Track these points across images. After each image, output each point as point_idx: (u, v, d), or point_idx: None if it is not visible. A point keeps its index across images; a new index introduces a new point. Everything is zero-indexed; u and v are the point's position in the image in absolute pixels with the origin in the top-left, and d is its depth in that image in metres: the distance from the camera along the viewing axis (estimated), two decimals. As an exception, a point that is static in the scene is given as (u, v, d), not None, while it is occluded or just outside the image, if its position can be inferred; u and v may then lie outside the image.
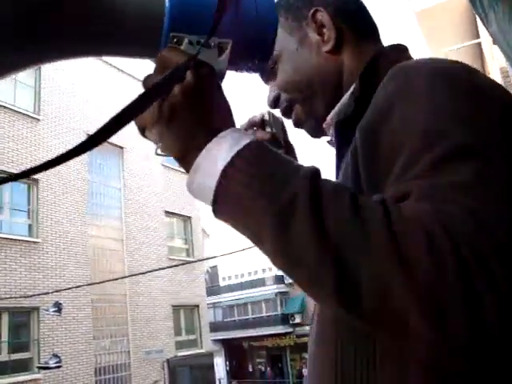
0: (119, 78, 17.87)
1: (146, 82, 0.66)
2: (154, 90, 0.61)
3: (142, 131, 0.68)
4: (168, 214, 18.78)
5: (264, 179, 0.58)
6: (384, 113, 0.69)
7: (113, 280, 12.47)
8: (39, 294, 11.59)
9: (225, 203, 0.61)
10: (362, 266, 0.50)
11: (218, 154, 0.61)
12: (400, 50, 0.92)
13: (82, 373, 14.11)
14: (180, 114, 0.64)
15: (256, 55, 0.73)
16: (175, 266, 16.83)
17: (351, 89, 0.90)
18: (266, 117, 1.12)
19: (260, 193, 0.57)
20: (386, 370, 0.65)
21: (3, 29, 0.57)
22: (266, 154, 0.61)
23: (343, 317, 0.58)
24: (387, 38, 1.04)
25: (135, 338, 16.28)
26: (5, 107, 13.66)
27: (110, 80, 17.33)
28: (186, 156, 0.65)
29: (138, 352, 16.18)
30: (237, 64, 0.73)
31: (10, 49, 0.58)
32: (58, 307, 12.11)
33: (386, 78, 0.75)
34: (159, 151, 0.70)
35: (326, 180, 0.58)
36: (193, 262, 18.05)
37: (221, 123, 0.64)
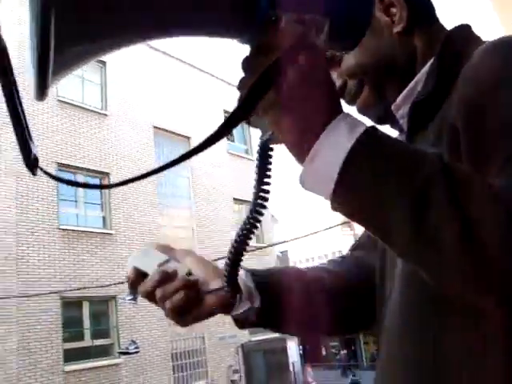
0: (181, 69, 18.11)
1: (251, 65, 0.62)
2: (270, 74, 0.58)
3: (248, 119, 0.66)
4: (237, 201, 18.95)
5: (392, 163, 0.58)
6: (489, 87, 0.68)
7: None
8: (114, 284, 12.04)
9: (349, 190, 0.59)
10: (504, 249, 0.52)
11: (338, 140, 0.59)
12: (468, 30, 0.89)
13: (159, 358, 14.60)
14: (297, 99, 0.60)
15: (351, 34, 0.69)
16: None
17: (425, 69, 0.87)
18: (134, 264, 0.93)
19: (392, 175, 0.57)
20: (495, 358, 0.64)
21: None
22: (386, 138, 0.60)
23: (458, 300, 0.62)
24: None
25: (209, 324, 16.58)
26: (75, 105, 14.20)
27: (172, 71, 17.59)
28: (301, 143, 0.61)
29: (212, 337, 16.53)
30: (332, 44, 0.68)
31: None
32: (134, 295, 12.51)
33: (480, 52, 0.73)
34: (265, 138, 0.67)
35: (454, 164, 0.59)
36: (263, 247, 18.14)
37: (335, 108, 0.62)
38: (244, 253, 0.78)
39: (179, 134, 16.87)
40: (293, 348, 21.06)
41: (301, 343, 35.75)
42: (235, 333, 17.19)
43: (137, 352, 13.06)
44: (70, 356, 12.57)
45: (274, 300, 0.94)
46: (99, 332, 13.70)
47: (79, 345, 13.06)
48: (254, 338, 18.09)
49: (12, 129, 0.56)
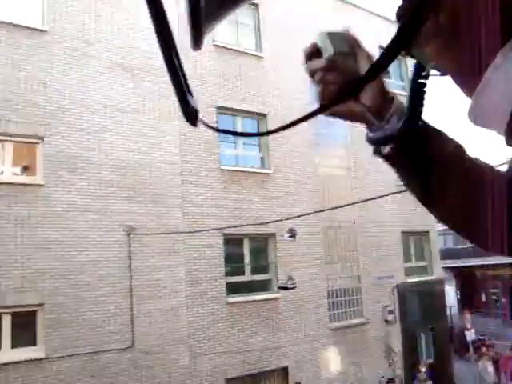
0: (334, 5, 17.54)
1: None
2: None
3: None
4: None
5: None
6: None
7: (342, 206, 12.68)
8: (273, 222, 12.41)
9: None
10: None
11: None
12: None
13: (315, 294, 14.99)
14: (460, 27, 0.56)
15: None
16: (404, 191, 16.52)
17: None
18: (318, 40, 0.90)
19: None
20: None
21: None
22: None
23: None
24: None
25: (365, 263, 16.63)
26: (230, 49, 14.47)
27: (324, 8, 17.08)
28: (471, 72, 0.57)
29: (367, 277, 16.55)
30: None
31: None
32: (293, 233, 12.87)
33: None
34: (426, 70, 0.64)
35: None
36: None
37: (506, 32, 0.56)
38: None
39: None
40: (450, 292, 20.43)
41: (458, 288, 34.60)
42: (391, 273, 17.04)
43: (294, 287, 13.53)
44: (232, 289, 13.41)
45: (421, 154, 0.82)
46: (258, 268, 14.38)
47: (240, 279, 13.85)
48: (410, 280, 17.80)
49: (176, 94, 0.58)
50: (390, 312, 16.90)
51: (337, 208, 12.28)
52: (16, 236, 10.73)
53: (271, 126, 14.66)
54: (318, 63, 0.87)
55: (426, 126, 0.80)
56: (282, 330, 14.08)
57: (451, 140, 0.83)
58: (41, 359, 10.59)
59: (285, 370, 14.13)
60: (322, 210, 11.86)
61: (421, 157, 0.82)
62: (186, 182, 13.01)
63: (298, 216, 11.96)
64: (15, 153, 11.27)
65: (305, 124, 15.24)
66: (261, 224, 12.59)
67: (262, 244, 14.50)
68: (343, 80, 0.84)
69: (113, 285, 11.50)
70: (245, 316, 13.38)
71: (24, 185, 11.04)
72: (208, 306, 12.79)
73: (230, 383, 13.02)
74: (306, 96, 15.49)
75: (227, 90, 14.17)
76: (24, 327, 10.81)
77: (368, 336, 16.21)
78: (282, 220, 12.39)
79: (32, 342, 10.76)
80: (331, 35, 0.87)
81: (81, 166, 11.61)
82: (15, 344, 10.59)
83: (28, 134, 11.18)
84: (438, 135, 0.82)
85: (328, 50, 0.86)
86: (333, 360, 15.14)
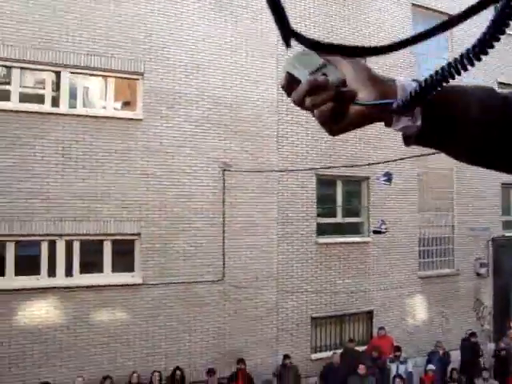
0: None
1: None
2: None
3: None
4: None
5: None
6: None
7: (439, 153, 12.10)
8: (369, 164, 12.12)
9: None
10: None
11: None
12: None
13: (406, 241, 14.68)
14: None
15: None
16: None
17: None
18: (288, 68, 0.84)
19: None
20: None
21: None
22: None
23: None
24: None
25: (460, 213, 16.01)
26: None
27: None
28: None
29: (461, 227, 15.97)
30: None
31: None
32: (389, 177, 12.50)
33: None
34: None
35: None
36: None
37: None
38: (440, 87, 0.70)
39: (439, 11, 15.46)
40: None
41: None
42: (487, 225, 16.34)
43: (386, 232, 13.30)
44: (323, 230, 13.39)
45: (439, 120, 0.87)
46: (350, 210, 14.23)
47: (331, 221, 13.79)
48: (508, 234, 17.00)
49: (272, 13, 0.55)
50: (483, 265, 16.31)
51: (434, 154, 11.74)
52: (117, 168, 11.17)
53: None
54: (300, 89, 0.81)
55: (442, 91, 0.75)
56: (369, 274, 14.01)
57: (468, 91, 0.89)
58: (138, 285, 11.20)
59: (370, 313, 14.15)
60: (418, 155, 11.41)
61: (449, 124, 0.87)
62: (282, 120, 12.88)
63: (394, 160, 11.58)
64: (117, 88, 11.58)
65: (404, 67, 14.53)
66: (356, 166, 12.34)
67: (355, 187, 14.27)
68: (336, 93, 0.80)
69: (206, 219, 11.81)
70: (334, 258, 13.40)
71: (125, 119, 11.37)
72: (298, 245, 12.89)
73: (315, 322, 13.24)
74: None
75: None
76: (123, 254, 11.42)
77: (457, 287, 15.81)
78: (377, 163, 12.07)
79: (130, 268, 11.38)
80: (298, 57, 0.83)
81: (178, 102, 11.76)
82: (115, 269, 11.24)
83: (129, 70, 11.41)
84: (455, 94, 0.87)
85: (302, 73, 0.81)
86: (419, 308, 14.97)
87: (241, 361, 11.49)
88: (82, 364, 10.69)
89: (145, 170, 11.37)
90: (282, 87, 0.86)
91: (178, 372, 10.92)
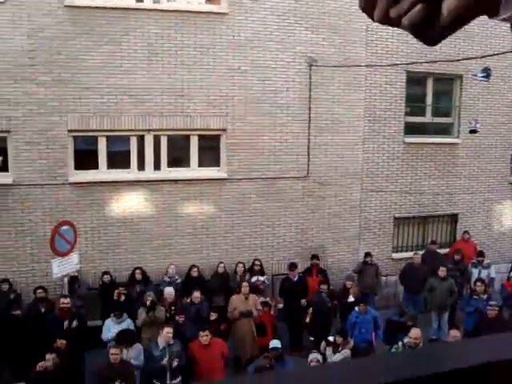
0: None
1: None
2: None
3: None
4: None
5: None
6: None
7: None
8: (464, 59, 11.38)
9: None
10: None
11: None
12: None
13: (499, 144, 13.98)
14: None
15: None
16: None
17: None
18: None
19: None
20: None
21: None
22: None
23: None
24: None
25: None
26: None
27: None
28: None
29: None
30: None
31: None
32: (488, 72, 11.63)
33: None
34: None
35: None
36: None
37: None
38: None
39: None
40: None
41: None
42: None
43: (476, 132, 12.62)
44: (411, 129, 12.94)
45: None
46: (440, 110, 13.59)
47: (419, 120, 13.28)
48: None
49: None
50: None
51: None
52: (202, 63, 11.09)
53: None
54: (381, 2, 0.62)
55: None
56: (457, 176, 13.56)
57: None
58: (223, 179, 11.44)
59: (454, 216, 13.86)
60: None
61: None
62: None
63: (492, 55, 10.80)
64: (202, -23, 11.25)
65: None
66: (449, 61, 11.62)
67: (446, 85, 13.52)
68: None
69: (292, 115, 11.68)
70: (420, 158, 13.02)
71: (209, 13, 11.13)
72: (384, 144, 12.59)
73: (398, 222, 13.16)
74: None
75: None
76: (209, 149, 11.61)
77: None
78: (474, 58, 11.30)
79: (216, 163, 11.59)
80: None
81: (263, -6, 11.34)
82: (201, 164, 11.48)
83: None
84: None
85: None
86: (506, 215, 14.48)
87: (315, 257, 11.71)
88: (171, 253, 11.28)
89: (230, 65, 11.25)
90: (362, 9, 0.68)
91: (257, 262, 11.26)
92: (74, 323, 9.00)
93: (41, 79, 10.55)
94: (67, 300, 9.22)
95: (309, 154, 11.88)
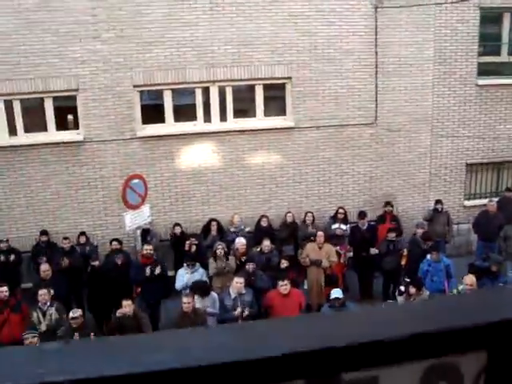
0: None
1: None
2: None
3: None
4: None
5: None
6: None
7: None
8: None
9: None
10: None
11: None
12: None
13: None
14: None
15: None
16: None
17: None
18: None
19: None
20: None
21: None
22: None
23: None
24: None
25: None
26: None
27: None
28: None
29: None
30: None
31: None
32: None
33: None
34: None
35: None
36: None
37: None
38: None
39: None
40: None
41: None
42: None
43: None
44: (484, 70, 12.25)
45: None
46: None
47: (495, 60, 12.56)
48: None
49: None
50: None
51: None
52: (265, 11, 10.85)
53: None
54: None
55: None
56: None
57: None
58: (290, 128, 11.30)
59: (531, 161, 13.21)
60: None
61: None
62: None
63: None
64: None
65: None
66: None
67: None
68: None
69: (358, 60, 11.31)
70: (495, 101, 12.35)
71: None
72: (455, 86, 12.01)
73: (470, 168, 12.67)
74: None
75: None
76: (274, 98, 11.46)
77: None
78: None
79: (282, 112, 11.44)
80: None
81: None
82: (267, 113, 11.36)
83: None
84: None
85: None
86: None
87: (388, 203, 11.48)
88: (239, 203, 11.34)
89: (293, 11, 10.94)
90: None
91: (341, 211, 11.05)
92: (158, 270, 9.25)
93: (104, 36, 10.63)
94: (150, 247, 9.52)
95: (376, 100, 11.52)
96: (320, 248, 9.88)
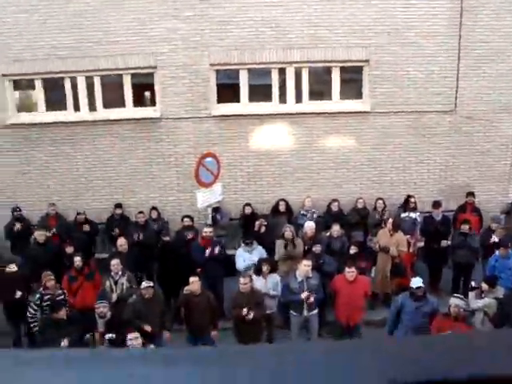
0: None
1: None
2: None
3: None
4: None
5: None
6: None
7: None
8: None
9: None
10: None
11: None
12: None
13: None
14: None
15: None
16: None
17: None
18: None
19: None
20: None
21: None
22: None
23: None
24: None
25: None
26: None
27: None
28: None
29: None
30: None
31: None
32: None
33: None
34: None
35: None
36: None
37: None
38: None
39: None
40: None
41: None
42: None
43: None
44: None
45: None
46: None
47: None
48: None
49: None
50: None
51: None
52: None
53: None
54: None
55: None
56: None
57: None
58: (366, 112, 11.08)
59: None
60: None
61: None
62: None
63: None
64: None
65: None
66: None
67: None
68: None
69: (440, 44, 10.91)
70: None
71: None
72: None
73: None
74: None
75: None
76: (351, 81, 11.26)
77: None
78: None
79: (358, 95, 11.23)
80: None
81: None
82: (343, 96, 11.19)
83: None
84: None
85: None
86: None
87: (470, 194, 11.07)
88: (311, 186, 11.26)
89: (375, -10, 10.67)
90: None
91: (412, 200, 10.77)
92: (216, 250, 9.34)
93: (184, 15, 10.72)
94: (210, 229, 9.60)
95: (457, 87, 11.10)
96: (391, 235, 9.68)
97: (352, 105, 11.16)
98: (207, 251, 9.33)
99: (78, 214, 10.84)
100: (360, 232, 10.76)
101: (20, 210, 10.96)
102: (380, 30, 10.79)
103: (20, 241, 10.56)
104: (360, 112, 11.07)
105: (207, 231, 9.57)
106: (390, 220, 9.86)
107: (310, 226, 9.87)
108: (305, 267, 8.22)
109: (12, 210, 10.89)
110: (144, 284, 8.08)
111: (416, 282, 7.90)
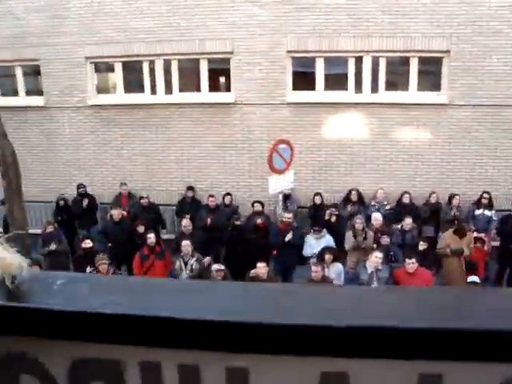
0: None
1: None
2: None
3: None
4: None
5: None
6: None
7: None
8: None
9: None
10: None
11: None
12: None
13: None
14: None
15: None
16: None
17: None
18: None
19: None
20: None
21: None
22: None
23: None
24: None
25: None
26: None
27: None
28: None
29: None
30: None
31: None
32: None
33: None
34: None
35: None
36: None
37: None
38: None
39: None
40: None
41: None
42: None
43: None
44: None
45: None
46: None
47: None
48: None
49: None
50: None
51: None
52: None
53: None
54: None
55: None
56: None
57: None
58: (443, 105, 10.82)
59: None
60: None
61: None
62: None
63: None
64: None
65: None
66: None
67: None
68: None
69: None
70: None
71: None
72: None
73: None
74: None
75: None
76: (429, 72, 11.03)
77: None
78: None
79: (436, 87, 10.98)
80: None
81: None
82: (420, 87, 10.96)
83: None
84: None
85: None
86: None
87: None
88: (383, 178, 11.12)
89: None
90: None
91: (485, 195, 10.48)
92: (289, 236, 9.40)
93: (262, 1, 10.74)
94: (290, 215, 9.67)
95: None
96: (461, 239, 9.40)
97: (429, 97, 10.91)
98: (288, 236, 9.37)
99: (141, 198, 11.00)
100: (431, 227, 10.56)
101: (84, 187, 11.35)
102: (463, 20, 10.45)
103: (85, 216, 11.00)
104: (437, 104, 10.81)
105: (287, 217, 9.63)
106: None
107: (376, 217, 9.78)
108: (376, 258, 8.17)
109: (77, 186, 11.30)
110: (215, 266, 8.25)
111: (472, 278, 7.81)
